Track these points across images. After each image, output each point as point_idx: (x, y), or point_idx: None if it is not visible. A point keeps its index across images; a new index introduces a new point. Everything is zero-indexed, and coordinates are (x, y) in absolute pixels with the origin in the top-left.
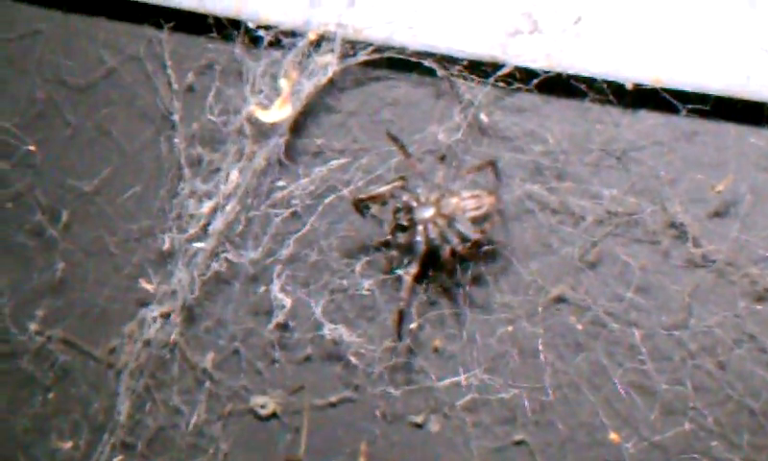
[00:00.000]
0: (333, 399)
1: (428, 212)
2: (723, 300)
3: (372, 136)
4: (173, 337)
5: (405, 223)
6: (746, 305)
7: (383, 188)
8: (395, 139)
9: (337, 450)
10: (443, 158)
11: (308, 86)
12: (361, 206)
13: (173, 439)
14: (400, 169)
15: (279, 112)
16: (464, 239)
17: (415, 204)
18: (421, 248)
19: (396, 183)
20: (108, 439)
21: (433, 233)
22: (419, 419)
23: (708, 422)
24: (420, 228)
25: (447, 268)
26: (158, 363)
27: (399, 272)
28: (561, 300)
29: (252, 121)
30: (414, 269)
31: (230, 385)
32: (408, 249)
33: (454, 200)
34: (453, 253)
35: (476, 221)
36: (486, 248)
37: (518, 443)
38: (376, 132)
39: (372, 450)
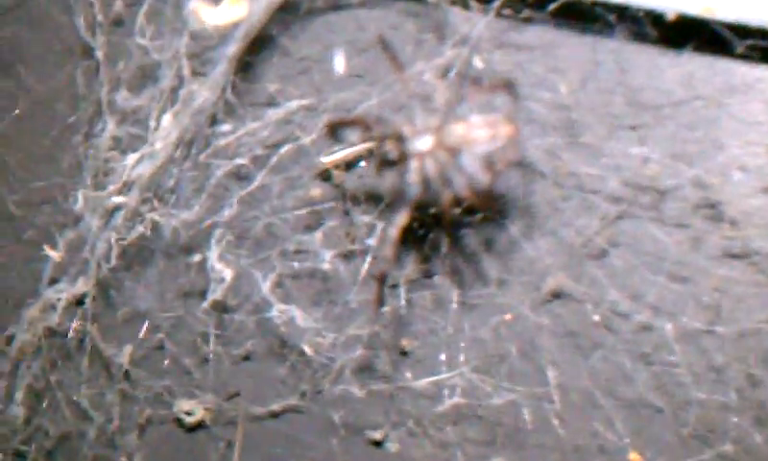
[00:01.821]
0: (275, 407)
1: (426, 143)
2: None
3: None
4: (81, 323)
5: (394, 157)
6: None
7: (345, 152)
8: (385, 46)
9: None
10: (444, 74)
11: None
12: (337, 132)
13: (77, 449)
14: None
15: (232, 10)
16: (472, 181)
17: (409, 132)
18: (415, 191)
19: (363, 146)
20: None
21: (431, 171)
22: (377, 435)
23: (755, 441)
24: (415, 163)
25: (446, 220)
26: (64, 355)
27: (370, 242)
28: (570, 286)
29: (196, 29)
30: (402, 219)
31: (150, 386)
32: (397, 193)
33: (461, 127)
34: (456, 200)
35: (489, 159)
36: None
37: None
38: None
39: None
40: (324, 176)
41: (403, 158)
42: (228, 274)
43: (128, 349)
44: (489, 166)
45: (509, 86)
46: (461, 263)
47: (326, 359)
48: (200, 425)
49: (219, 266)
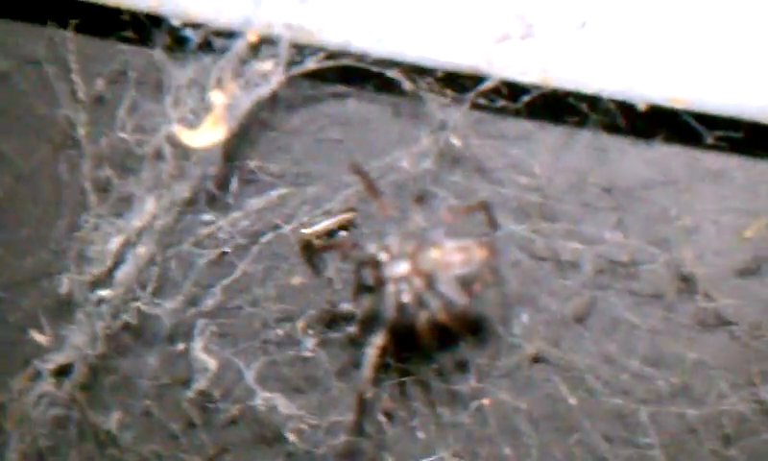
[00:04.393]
0: None
1: (402, 268)
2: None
3: (316, 159)
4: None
5: (371, 282)
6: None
7: (327, 222)
8: (359, 171)
9: None
10: (419, 198)
11: (245, 101)
12: (312, 254)
13: None
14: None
15: (210, 134)
16: (447, 304)
17: (385, 257)
18: (391, 314)
19: (346, 216)
20: None
21: (407, 296)
22: None
23: None
24: (391, 288)
25: (424, 341)
26: (54, 423)
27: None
28: (547, 366)
29: (175, 144)
30: (380, 340)
31: (139, 451)
32: (374, 316)
33: (436, 253)
34: (433, 322)
35: (464, 281)
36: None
37: None
38: (321, 153)
39: None
40: (306, 248)
41: (380, 283)
42: (212, 364)
43: (116, 415)
44: (464, 289)
45: (485, 208)
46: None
47: (310, 446)
48: None
49: (203, 356)
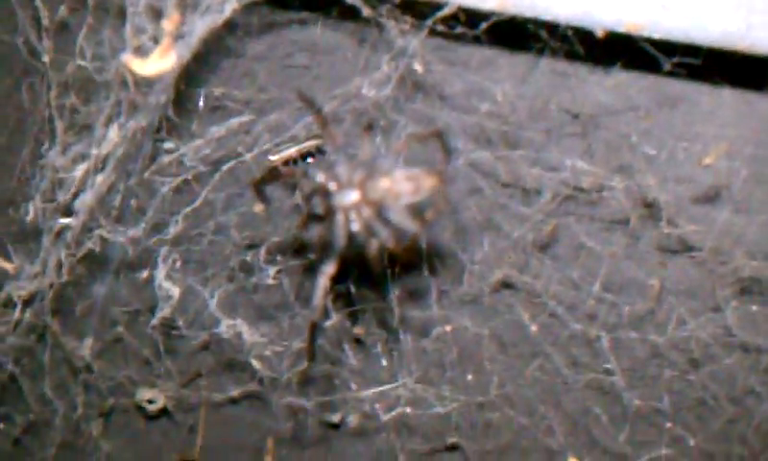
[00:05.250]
0: (235, 393)
1: (351, 197)
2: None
3: (281, 86)
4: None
5: (321, 211)
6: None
7: (292, 149)
8: (307, 101)
9: (239, 449)
10: (369, 127)
11: (200, 28)
12: (261, 188)
13: (44, 436)
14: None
15: (160, 63)
16: (397, 232)
17: (334, 186)
18: (341, 243)
19: (310, 143)
20: None
21: (356, 225)
22: (335, 418)
23: (689, 446)
24: (341, 217)
25: (374, 267)
26: (26, 349)
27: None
28: (509, 291)
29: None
30: (330, 268)
31: (113, 376)
32: (324, 244)
33: (385, 182)
34: (382, 249)
35: (414, 209)
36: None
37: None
38: (287, 80)
39: (280, 449)
40: (273, 175)
41: (329, 212)
42: (176, 291)
43: (88, 341)
44: (414, 218)
45: (438, 136)
46: (388, 312)
47: (275, 373)
48: (163, 412)
49: (166, 284)
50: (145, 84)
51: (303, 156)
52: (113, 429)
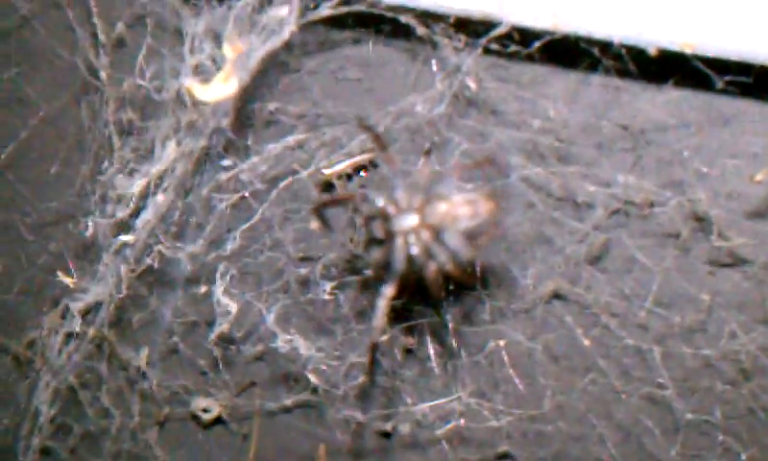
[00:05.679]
0: (288, 402)
1: (410, 221)
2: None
3: (335, 100)
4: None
5: (380, 235)
6: None
7: (345, 163)
8: (367, 127)
9: (292, 457)
10: (428, 152)
11: (259, 50)
12: (322, 213)
13: (101, 445)
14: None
15: (222, 88)
16: (455, 256)
17: (393, 210)
18: (400, 266)
19: (363, 156)
20: (27, 444)
21: (416, 249)
22: (387, 426)
23: (740, 458)
24: (400, 241)
25: (433, 290)
26: (84, 359)
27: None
28: (561, 304)
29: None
30: (390, 290)
31: (169, 386)
32: (383, 267)
33: (443, 206)
34: (441, 272)
35: (471, 234)
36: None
37: None
38: (340, 95)
39: (335, 459)
40: (326, 187)
41: (389, 236)
42: (233, 307)
43: (144, 352)
44: (471, 241)
45: (492, 162)
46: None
47: (330, 386)
48: (217, 421)
49: (224, 300)
50: (203, 103)
51: (356, 169)
52: (169, 438)
